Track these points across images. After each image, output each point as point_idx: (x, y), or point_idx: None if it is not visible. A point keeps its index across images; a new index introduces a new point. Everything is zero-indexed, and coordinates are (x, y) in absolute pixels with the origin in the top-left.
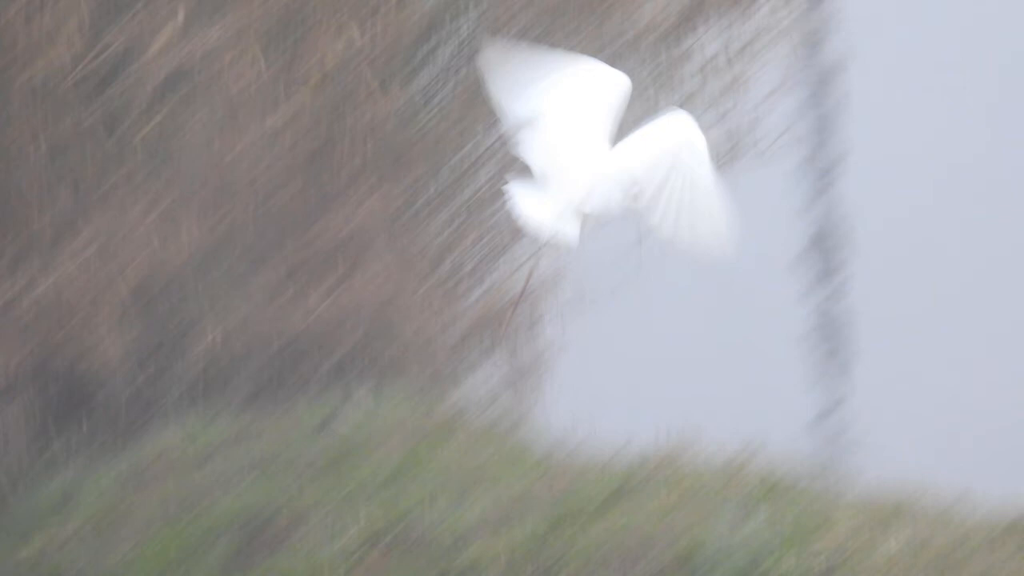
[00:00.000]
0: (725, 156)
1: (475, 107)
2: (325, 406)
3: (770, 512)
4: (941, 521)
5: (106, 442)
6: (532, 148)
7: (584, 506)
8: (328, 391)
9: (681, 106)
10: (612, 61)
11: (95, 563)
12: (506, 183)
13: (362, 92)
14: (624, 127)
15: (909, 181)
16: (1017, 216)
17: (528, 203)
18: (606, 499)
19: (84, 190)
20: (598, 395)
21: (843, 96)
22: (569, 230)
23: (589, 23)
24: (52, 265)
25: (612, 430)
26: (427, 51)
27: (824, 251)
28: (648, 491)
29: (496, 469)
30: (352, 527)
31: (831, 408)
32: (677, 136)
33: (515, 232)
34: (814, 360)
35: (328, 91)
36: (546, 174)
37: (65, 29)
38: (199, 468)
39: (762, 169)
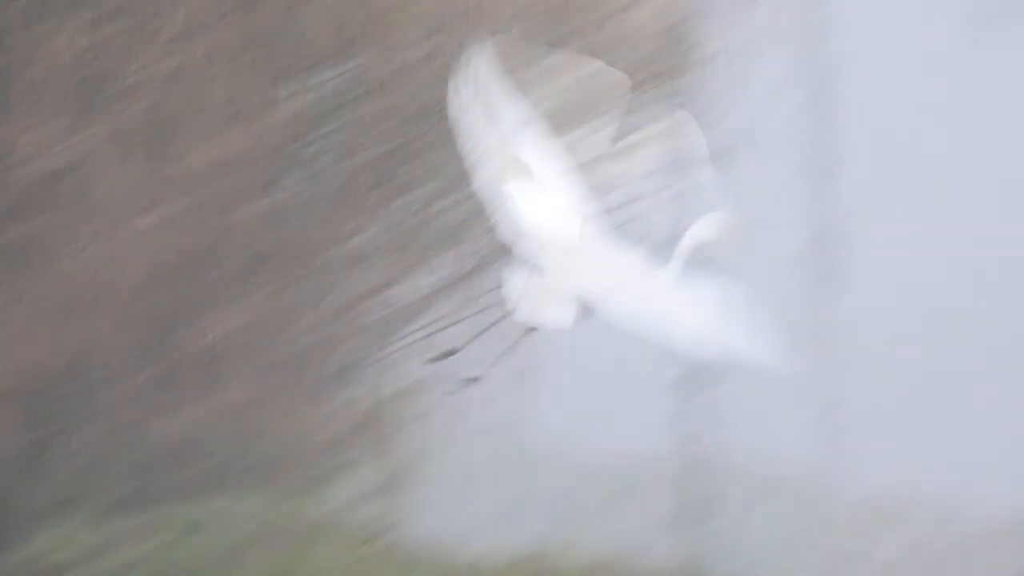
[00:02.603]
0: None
1: (346, 206)
2: (197, 509)
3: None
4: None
5: None
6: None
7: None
8: (200, 494)
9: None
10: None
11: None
12: (505, 271)
13: (237, 193)
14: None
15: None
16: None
17: (523, 292)
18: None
19: None
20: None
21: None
22: (561, 315)
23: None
24: None
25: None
26: (301, 152)
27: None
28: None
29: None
30: None
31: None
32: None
33: (390, 329)
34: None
35: (202, 192)
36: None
37: None
38: None
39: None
